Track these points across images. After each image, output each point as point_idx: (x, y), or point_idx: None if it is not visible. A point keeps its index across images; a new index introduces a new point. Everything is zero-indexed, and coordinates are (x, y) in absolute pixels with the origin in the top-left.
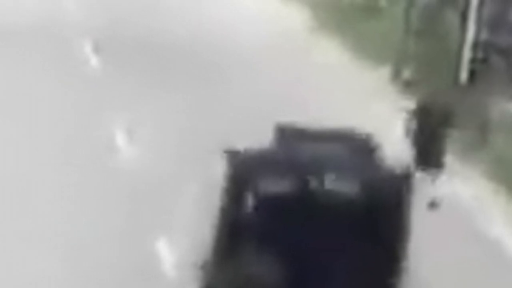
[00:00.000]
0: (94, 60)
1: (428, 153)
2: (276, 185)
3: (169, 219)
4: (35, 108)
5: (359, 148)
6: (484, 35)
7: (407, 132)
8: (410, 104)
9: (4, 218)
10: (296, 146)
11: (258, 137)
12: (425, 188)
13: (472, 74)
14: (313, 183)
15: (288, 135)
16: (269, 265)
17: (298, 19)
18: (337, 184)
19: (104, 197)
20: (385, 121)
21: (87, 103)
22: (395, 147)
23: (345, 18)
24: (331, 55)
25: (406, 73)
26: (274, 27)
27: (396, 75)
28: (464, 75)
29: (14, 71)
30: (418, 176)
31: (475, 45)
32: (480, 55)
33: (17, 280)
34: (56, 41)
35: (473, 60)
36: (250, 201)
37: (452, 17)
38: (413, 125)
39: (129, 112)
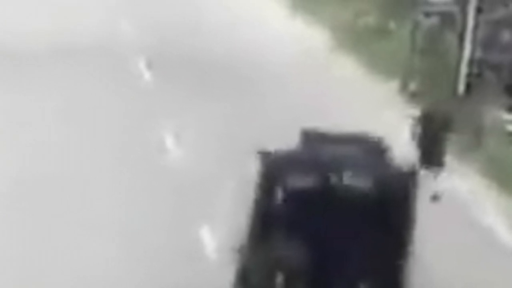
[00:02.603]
0: (147, 75)
1: (431, 154)
2: (302, 181)
3: (211, 210)
4: (96, 115)
5: (372, 149)
6: (478, 53)
7: (413, 135)
8: (416, 112)
9: (68, 210)
10: (318, 147)
11: (286, 140)
12: (428, 183)
13: (468, 86)
14: (333, 179)
15: (312, 138)
16: (296, 249)
17: (320, 39)
18: (353, 180)
19: (155, 191)
20: (394, 126)
21: (140, 111)
22: (403, 148)
23: (360, 39)
24: (348, 70)
25: (412, 86)
26: (299, 46)
27: (403, 87)
28: (461, 87)
29: (79, 84)
30: (422, 173)
31: (471, 62)
32: (475, 70)
33: (80, 262)
34: (114, 58)
35: (469, 75)
36: (279, 194)
37: (451, 38)
38: (418, 129)
39: (177, 119)
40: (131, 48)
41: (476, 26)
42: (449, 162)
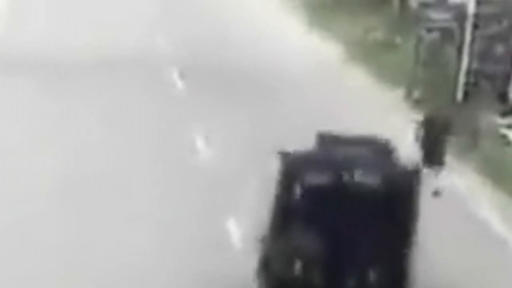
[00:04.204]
0: (179, 84)
1: (433, 154)
2: (317, 178)
3: (236, 204)
4: (135, 120)
5: (380, 150)
6: (475, 65)
7: (417, 138)
8: (419, 117)
9: (110, 204)
10: (332, 148)
11: (304, 142)
12: (430, 180)
13: (466, 94)
14: (346, 177)
15: (327, 141)
16: (312, 239)
17: (334, 52)
18: (363, 178)
19: (187, 187)
20: (399, 129)
21: (174, 116)
22: (407, 149)
23: (370, 52)
24: (358, 80)
25: (416, 93)
26: (315, 58)
27: (408, 95)
28: (459, 95)
29: (119, 93)
30: (425, 171)
31: (468, 72)
32: (472, 80)
33: (121, 251)
34: (150, 69)
35: (466, 84)
36: (297, 190)
37: (450, 51)
38: (421, 132)
39: (206, 123)
40: (165, 60)
41: (473, 41)
42: (449, 162)
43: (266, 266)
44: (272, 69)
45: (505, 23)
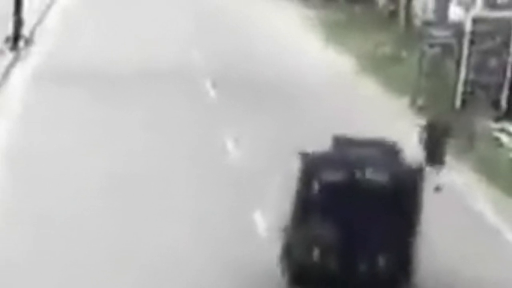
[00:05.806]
0: (212, 93)
1: (434, 154)
2: (333, 176)
3: (262, 198)
4: (173, 124)
5: (388, 151)
6: (471, 76)
7: (420, 140)
8: (422, 122)
9: (152, 199)
10: (346, 149)
11: (321, 143)
12: (432, 177)
13: (463, 102)
14: (358, 174)
15: (341, 142)
16: (328, 229)
17: (348, 65)
18: (374, 175)
19: (219, 184)
20: (405, 133)
21: (207, 121)
22: (412, 150)
23: (379, 65)
24: (369, 89)
25: (420, 101)
26: (331, 70)
27: (412, 102)
28: (458, 103)
29: (158, 100)
30: (428, 169)
31: (466, 83)
32: (469, 89)
33: (161, 240)
34: (187, 79)
35: (464, 93)
36: (316, 186)
37: (450, 64)
38: (424, 135)
39: (236, 127)
40: (199, 71)
41: (469, 55)
42: (448, 161)
43: (288, 253)
44: (293, 80)
45: (498, 40)
